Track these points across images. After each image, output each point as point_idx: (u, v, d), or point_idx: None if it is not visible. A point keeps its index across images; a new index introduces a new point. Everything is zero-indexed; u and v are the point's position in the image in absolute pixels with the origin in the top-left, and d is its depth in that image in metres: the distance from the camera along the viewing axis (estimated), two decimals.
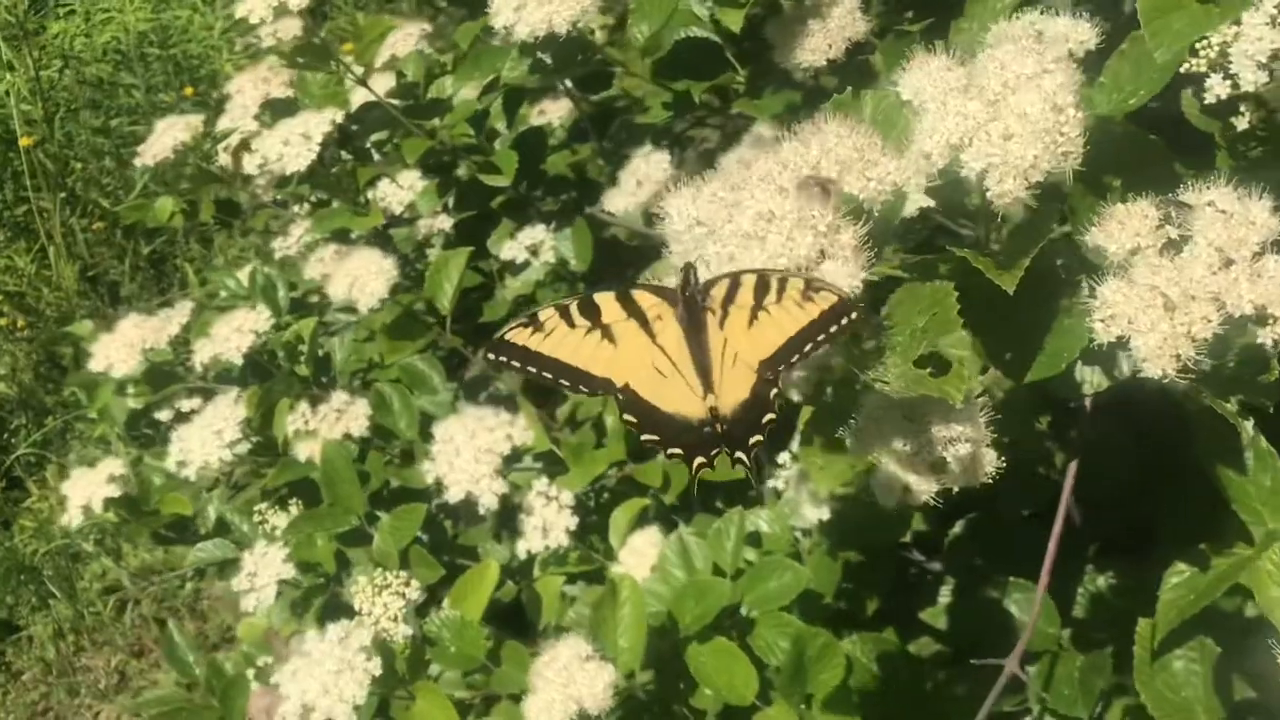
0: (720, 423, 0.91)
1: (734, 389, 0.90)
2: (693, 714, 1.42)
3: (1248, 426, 0.95)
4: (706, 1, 1.60)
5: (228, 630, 3.07)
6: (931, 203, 1.00)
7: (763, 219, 0.86)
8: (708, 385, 0.91)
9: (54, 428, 3.65)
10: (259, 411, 1.87)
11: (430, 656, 1.40)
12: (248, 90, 2.15)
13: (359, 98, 2.02)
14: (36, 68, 4.32)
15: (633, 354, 0.93)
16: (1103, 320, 0.88)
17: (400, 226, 2.17)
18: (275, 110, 2.11)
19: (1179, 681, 1.19)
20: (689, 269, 0.91)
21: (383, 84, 2.06)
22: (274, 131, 1.99)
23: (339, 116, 1.99)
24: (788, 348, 0.87)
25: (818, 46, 1.46)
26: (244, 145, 2.09)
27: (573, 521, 1.53)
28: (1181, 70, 1.04)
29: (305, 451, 1.83)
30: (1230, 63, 1.03)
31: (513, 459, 1.59)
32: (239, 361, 1.94)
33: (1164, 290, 0.86)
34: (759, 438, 0.91)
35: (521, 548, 1.54)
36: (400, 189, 2.06)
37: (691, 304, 0.91)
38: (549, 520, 1.53)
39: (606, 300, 0.94)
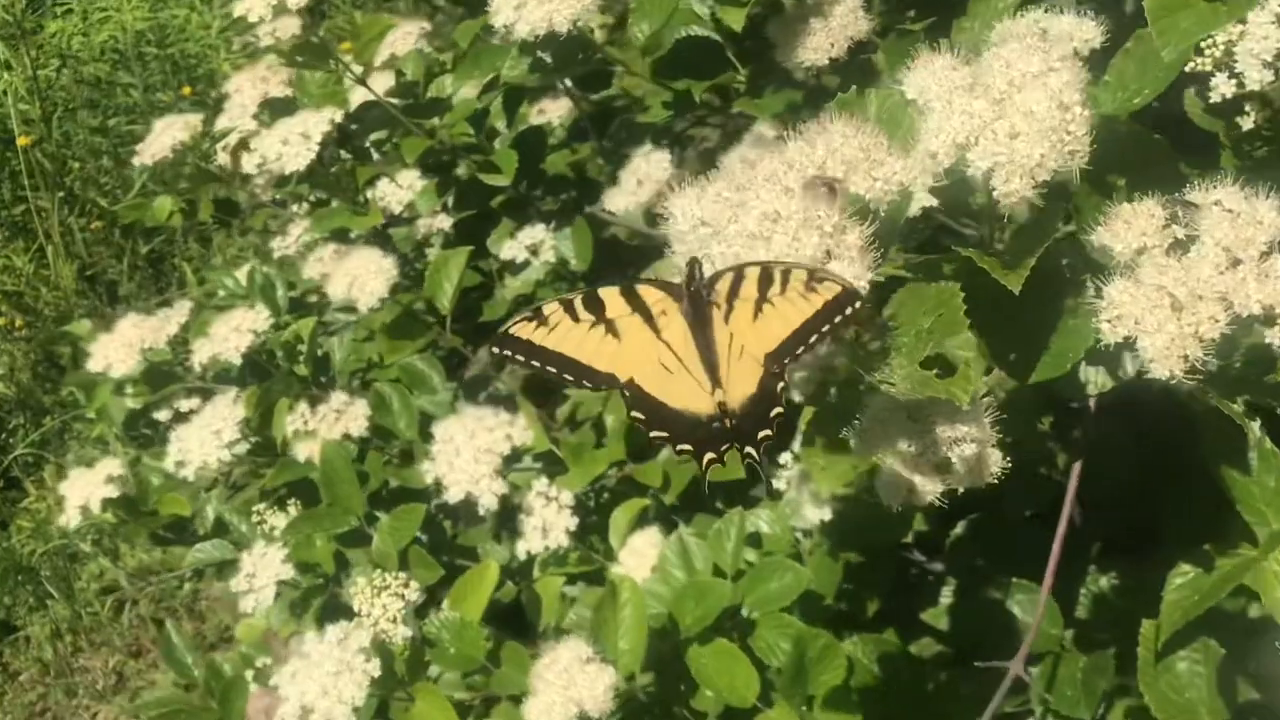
0: (728, 417, 0.90)
1: (741, 383, 0.90)
2: (694, 716, 1.42)
3: (1254, 427, 0.95)
4: (707, 0, 1.60)
5: (225, 630, 3.06)
6: (935, 202, 1.00)
7: (768, 219, 0.85)
8: (715, 380, 0.90)
9: (52, 428, 3.65)
10: (258, 411, 1.86)
11: (430, 658, 1.40)
12: (246, 89, 2.15)
13: (358, 97, 2.01)
14: (34, 67, 4.32)
15: (637, 349, 0.92)
16: (1109, 321, 0.87)
17: (399, 226, 2.16)
18: (274, 109, 2.11)
19: (1183, 683, 1.19)
20: (694, 263, 0.90)
21: (382, 83, 2.05)
22: (273, 131, 1.99)
23: (338, 116, 1.98)
24: (794, 339, 0.86)
25: (820, 45, 1.46)
26: (243, 144, 2.09)
27: (572, 522, 1.53)
28: (1185, 69, 1.04)
29: (304, 452, 1.83)
30: (1235, 61, 1.02)
31: (512, 459, 1.58)
32: (238, 361, 1.94)
33: (1171, 290, 0.85)
34: (768, 432, 0.90)
35: (521, 548, 1.54)
36: (399, 188, 2.05)
37: (696, 299, 0.90)
38: (549, 521, 1.53)
39: (611, 295, 0.93)
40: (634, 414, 0.93)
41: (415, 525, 1.66)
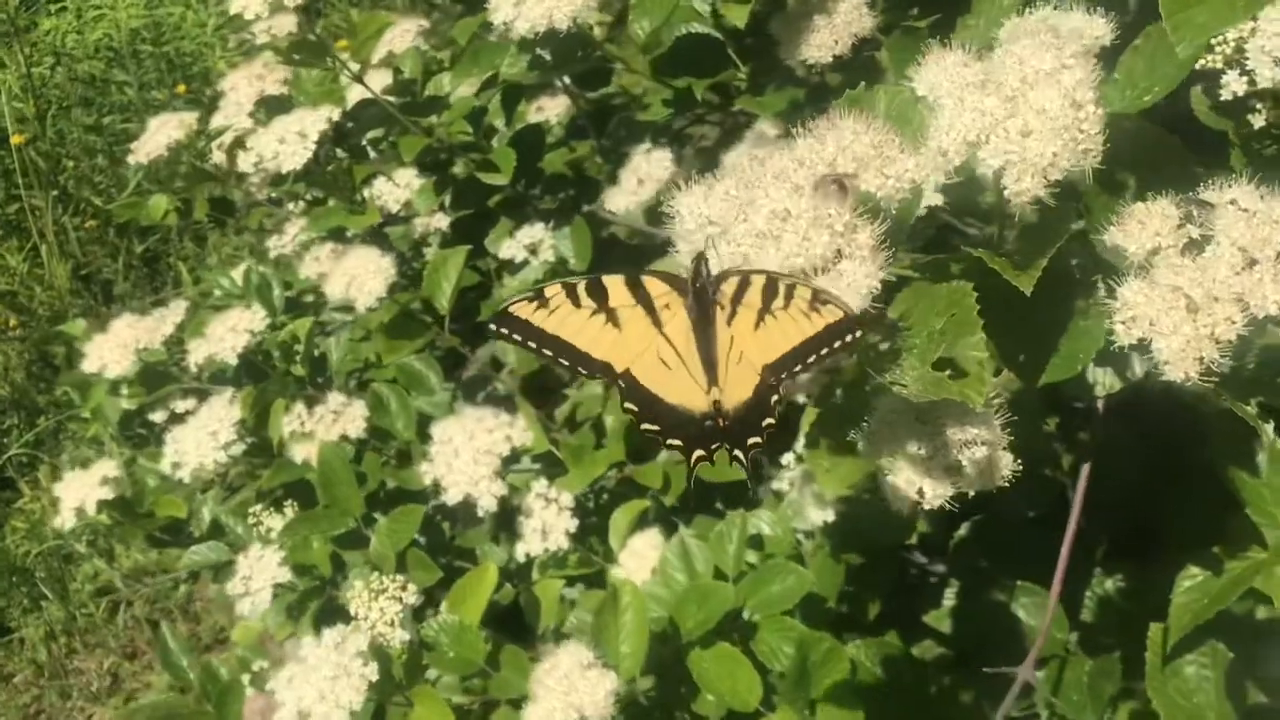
0: (722, 418, 0.90)
1: (738, 387, 0.89)
2: None
3: (1268, 429, 0.94)
4: None
5: (221, 632, 3.05)
6: (941, 201, 0.98)
7: (778, 218, 0.84)
8: (712, 379, 0.90)
9: (46, 428, 3.63)
10: (254, 412, 1.85)
11: (428, 661, 1.38)
12: (242, 87, 2.13)
13: (355, 95, 2.00)
14: (28, 65, 4.30)
15: (636, 340, 0.92)
16: (1124, 322, 0.86)
17: (396, 225, 2.15)
18: (270, 107, 2.09)
19: (1191, 687, 1.18)
20: (700, 260, 0.89)
21: (379, 81, 2.03)
22: (269, 129, 1.97)
23: (335, 114, 1.97)
24: (792, 356, 0.85)
25: (824, 42, 1.45)
26: (239, 143, 2.07)
27: (572, 523, 1.52)
28: (1195, 66, 1.03)
29: (301, 453, 1.81)
30: (1246, 59, 1.01)
31: (511, 460, 1.57)
32: (234, 362, 1.93)
33: (1187, 291, 0.84)
34: (757, 440, 0.90)
35: (520, 550, 1.53)
36: (397, 187, 2.04)
37: (701, 296, 0.89)
38: (548, 522, 1.52)
39: (615, 284, 0.92)
40: (627, 405, 0.92)
41: (413, 527, 1.64)
